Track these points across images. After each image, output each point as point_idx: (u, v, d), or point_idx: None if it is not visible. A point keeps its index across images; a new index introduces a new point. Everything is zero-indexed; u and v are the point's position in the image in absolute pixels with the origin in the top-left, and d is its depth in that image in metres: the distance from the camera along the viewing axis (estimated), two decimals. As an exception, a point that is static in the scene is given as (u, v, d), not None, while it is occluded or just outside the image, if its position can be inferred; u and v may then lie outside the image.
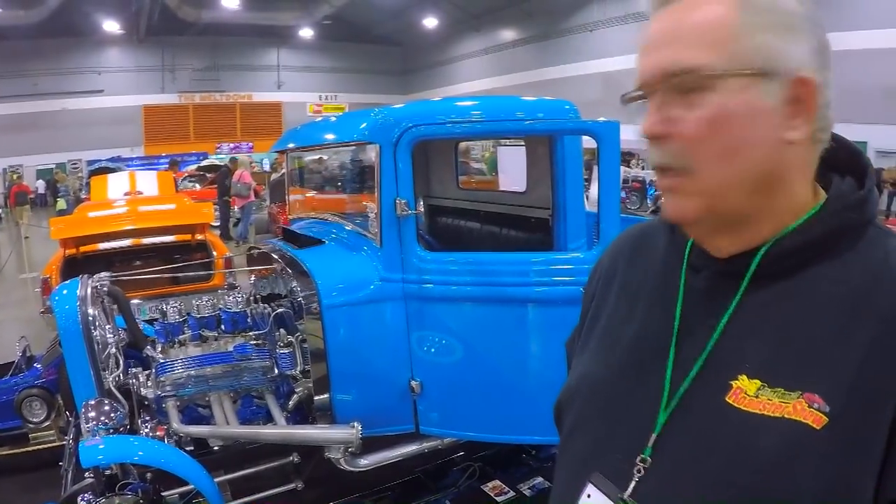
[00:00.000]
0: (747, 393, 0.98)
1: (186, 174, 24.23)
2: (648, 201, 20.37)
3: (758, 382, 0.98)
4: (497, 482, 4.75)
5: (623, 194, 19.67)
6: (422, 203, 4.12)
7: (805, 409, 0.92)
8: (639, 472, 1.04)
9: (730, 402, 0.99)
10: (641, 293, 1.23)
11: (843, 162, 1.11)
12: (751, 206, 1.03)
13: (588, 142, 3.81)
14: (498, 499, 4.60)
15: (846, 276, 0.99)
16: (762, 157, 1.01)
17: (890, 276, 0.97)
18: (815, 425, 0.91)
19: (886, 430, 0.88)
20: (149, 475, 3.61)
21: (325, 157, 7.74)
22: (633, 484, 1.04)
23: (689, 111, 1.00)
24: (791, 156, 1.02)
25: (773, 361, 0.98)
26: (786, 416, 0.93)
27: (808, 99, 1.01)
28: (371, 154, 3.86)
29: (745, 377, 0.99)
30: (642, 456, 1.05)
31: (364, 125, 3.96)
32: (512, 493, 4.64)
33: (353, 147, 4.94)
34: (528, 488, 4.66)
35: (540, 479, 4.71)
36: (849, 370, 0.92)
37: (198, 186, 22.89)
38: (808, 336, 0.97)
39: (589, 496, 1.10)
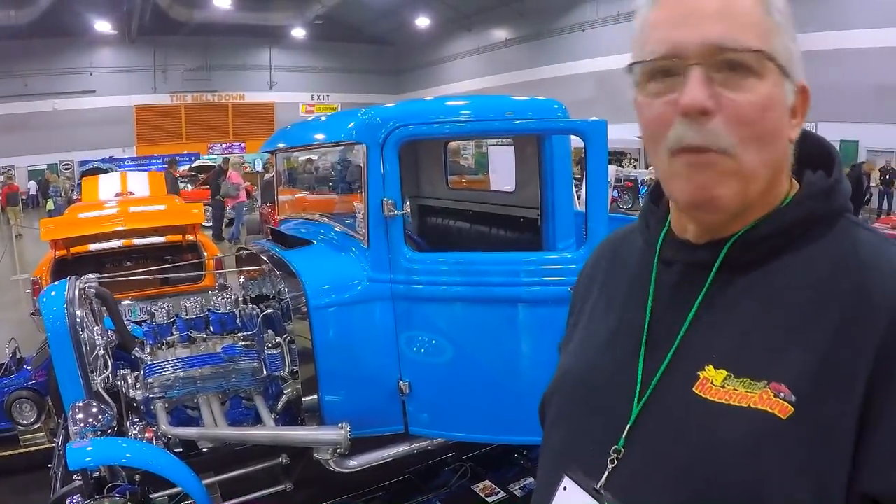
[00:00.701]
0: (714, 383, 0.99)
1: (179, 174, 24.16)
2: (640, 201, 20.38)
3: (724, 372, 0.99)
4: (488, 482, 4.76)
5: (615, 193, 19.77)
6: (408, 203, 4.12)
7: (771, 399, 0.93)
8: (612, 462, 1.05)
9: (697, 392, 1.00)
10: (618, 292, 1.24)
11: (815, 157, 1.13)
12: (759, 195, 1.05)
13: (579, 141, 3.81)
14: (489, 499, 4.60)
15: (813, 266, 1.01)
16: (781, 150, 1.05)
17: (856, 265, 0.98)
18: (780, 415, 0.91)
19: (854, 420, 0.88)
20: (137, 477, 3.61)
21: (314, 158, 7.74)
22: (605, 475, 1.05)
23: (737, 92, 0.98)
24: (787, 152, 1.07)
25: (739, 351, 0.99)
26: (752, 405, 0.94)
27: (805, 104, 1.07)
28: (359, 154, 3.85)
29: (711, 367, 1.00)
30: (616, 447, 1.06)
31: (351, 125, 3.96)
32: (503, 494, 4.64)
33: (342, 147, 4.93)
34: (519, 488, 4.67)
35: (531, 480, 4.70)
36: (814, 359, 0.93)
37: (190, 187, 22.84)
38: (774, 325, 0.98)
39: (565, 489, 1.11)
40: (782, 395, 0.92)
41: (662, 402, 1.04)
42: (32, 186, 33.03)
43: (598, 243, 1.46)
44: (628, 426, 1.06)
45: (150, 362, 4.10)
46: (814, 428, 0.89)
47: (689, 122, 0.99)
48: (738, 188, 1.01)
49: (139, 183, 11.38)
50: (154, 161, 32.60)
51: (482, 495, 4.63)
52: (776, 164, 1.05)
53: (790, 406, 0.91)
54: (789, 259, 1.03)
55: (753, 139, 0.99)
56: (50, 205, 27.24)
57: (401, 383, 3.82)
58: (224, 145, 39.46)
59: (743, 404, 0.94)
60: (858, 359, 0.90)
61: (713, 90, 0.98)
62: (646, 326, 1.12)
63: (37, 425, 5.62)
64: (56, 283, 4.11)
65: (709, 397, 0.98)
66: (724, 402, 0.96)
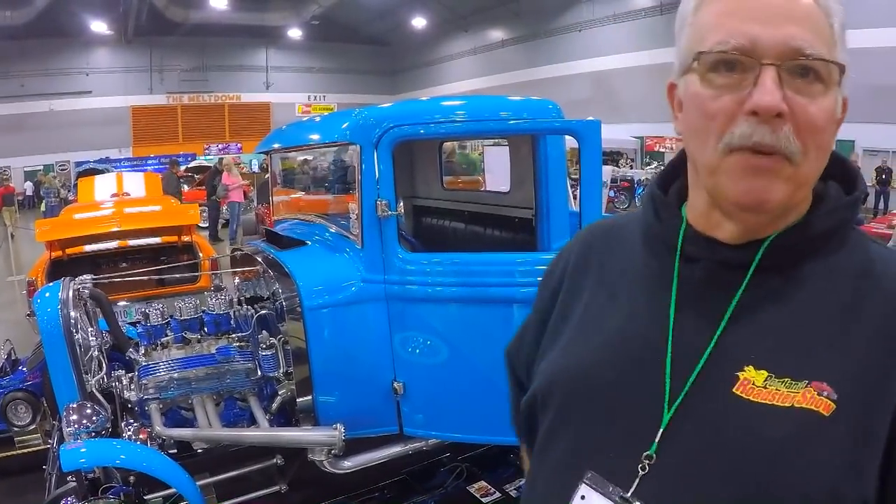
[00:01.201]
0: (755, 384, 0.98)
1: (181, 175, 24.12)
2: (637, 201, 20.41)
3: (765, 373, 0.98)
4: (483, 483, 4.76)
5: (612, 193, 19.77)
6: (402, 204, 4.13)
7: (815, 397, 0.94)
8: (643, 469, 1.01)
9: (738, 393, 0.98)
10: (621, 284, 1.20)
11: (826, 167, 1.12)
12: (800, 200, 1.06)
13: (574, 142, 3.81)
14: (484, 500, 4.61)
15: (838, 274, 1.03)
16: (827, 160, 1.07)
17: (878, 276, 1.02)
18: (824, 412, 0.92)
19: (889, 418, 0.91)
20: (131, 478, 3.60)
21: (309, 158, 7.74)
22: (636, 481, 1.01)
23: (808, 99, 0.98)
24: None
25: (778, 352, 1.00)
26: (795, 404, 0.94)
27: (843, 117, 1.07)
28: (353, 155, 3.85)
29: (751, 368, 0.99)
30: (647, 452, 1.01)
31: (345, 125, 3.96)
32: (498, 494, 4.65)
33: (337, 147, 4.93)
34: (515, 489, 4.66)
35: (526, 480, 4.70)
36: (853, 359, 0.95)
37: (186, 187, 22.82)
38: (811, 327, 1.00)
39: (583, 497, 1.06)
40: (825, 393, 0.93)
41: (699, 406, 1.01)
42: (29, 187, 32.98)
43: (575, 235, 1.42)
44: (661, 431, 1.02)
45: (144, 363, 4.10)
46: (855, 425, 0.91)
47: (759, 122, 0.97)
48: (789, 192, 1.01)
49: (135, 184, 11.38)
50: (150, 162, 32.56)
51: (477, 496, 4.64)
52: (820, 173, 1.06)
53: (833, 403, 0.92)
54: (820, 263, 1.05)
55: (815, 148, 1.00)
56: (42, 206, 27.17)
57: (395, 384, 3.82)
58: (220, 146, 39.42)
59: (786, 404, 0.95)
60: (893, 366, 0.93)
61: (785, 93, 0.97)
62: (671, 327, 1.09)
63: (32, 427, 5.60)
64: (50, 284, 4.11)
65: (751, 398, 0.97)
66: (767, 402, 0.96)
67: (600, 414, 1.10)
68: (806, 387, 0.94)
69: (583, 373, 1.16)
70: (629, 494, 1.01)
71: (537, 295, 1.40)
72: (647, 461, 1.01)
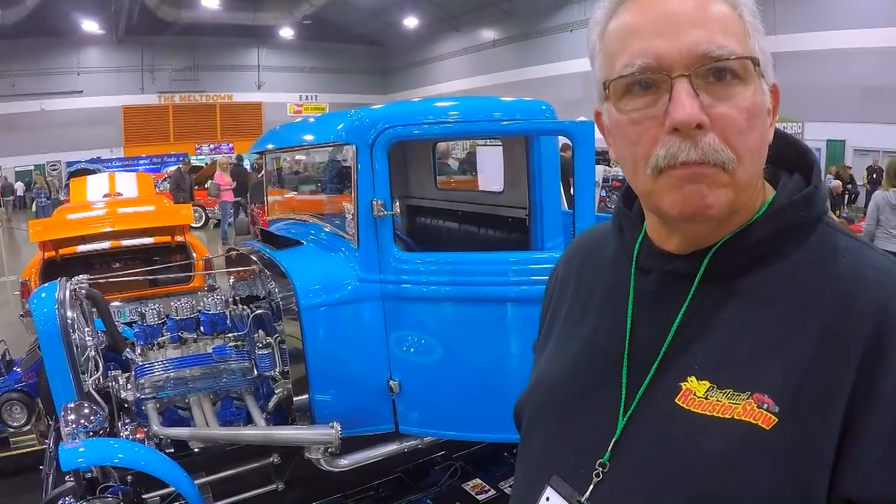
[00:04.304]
0: (696, 394, 0.97)
1: (166, 175, 24.09)
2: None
3: (707, 383, 0.97)
4: (478, 481, 4.77)
5: (603, 193, 19.80)
6: (398, 204, 4.14)
7: (755, 410, 0.91)
8: (597, 475, 1.03)
9: (680, 404, 0.98)
10: (593, 296, 1.22)
11: (788, 159, 1.11)
12: (744, 202, 1.02)
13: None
14: (479, 497, 4.62)
15: (795, 275, 0.99)
16: (764, 156, 1.03)
17: (837, 274, 0.97)
18: (764, 426, 0.90)
19: (837, 428, 0.87)
20: (129, 478, 3.61)
21: (303, 159, 7.74)
22: (591, 487, 1.04)
23: (727, 102, 0.95)
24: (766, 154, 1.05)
25: (721, 362, 0.98)
26: (735, 416, 0.92)
27: (776, 104, 1.05)
28: (348, 155, 3.87)
29: (693, 379, 0.99)
30: (601, 460, 1.04)
31: (340, 126, 3.97)
32: (493, 492, 4.65)
33: (331, 148, 4.95)
34: (510, 486, 4.66)
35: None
36: (797, 369, 0.91)
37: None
38: (757, 336, 0.97)
39: (548, 499, 1.10)
40: (766, 405, 0.91)
41: (647, 415, 1.02)
42: (20, 187, 32.85)
43: (569, 243, 1.42)
44: (614, 440, 1.04)
45: (140, 363, 4.11)
46: (797, 438, 0.88)
47: (682, 139, 0.95)
48: (729, 198, 0.98)
49: (127, 184, 11.35)
50: (142, 161, 32.47)
51: (472, 493, 4.65)
52: (761, 170, 1.03)
53: (774, 416, 0.90)
54: (770, 268, 1.01)
55: (747, 151, 0.97)
56: (33, 206, 27.05)
57: (391, 382, 3.85)
58: (212, 146, 39.33)
59: (726, 416, 0.93)
60: (842, 369, 0.89)
61: (702, 102, 0.94)
62: (627, 337, 1.10)
63: (27, 427, 5.59)
64: (46, 284, 4.12)
65: (692, 409, 0.96)
66: (707, 413, 0.95)
67: (566, 421, 1.14)
68: (748, 399, 0.92)
69: (554, 382, 1.20)
70: (584, 499, 1.04)
71: (542, 300, 1.42)
72: (601, 468, 1.03)
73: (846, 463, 0.86)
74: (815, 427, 0.88)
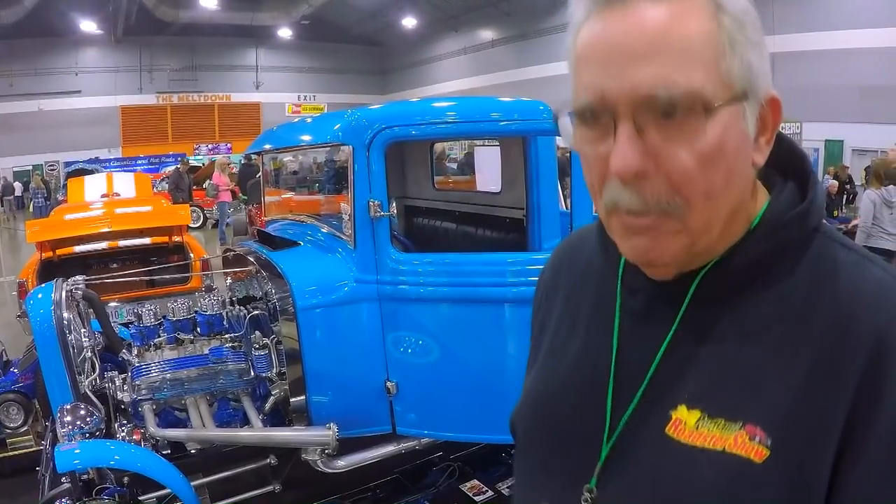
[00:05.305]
0: (687, 424, 0.93)
1: (164, 175, 24.10)
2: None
3: (697, 413, 0.93)
4: (475, 482, 4.77)
5: (602, 193, 19.80)
6: (395, 204, 4.14)
7: (746, 443, 0.87)
8: (585, 501, 1.00)
9: (669, 434, 0.94)
10: (581, 310, 1.17)
11: (786, 162, 1.04)
12: (716, 239, 0.95)
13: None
14: (476, 498, 4.62)
15: (789, 296, 0.93)
16: (741, 186, 0.94)
17: (833, 293, 0.91)
18: (756, 459, 0.86)
19: (831, 461, 0.83)
20: (126, 479, 3.61)
21: (301, 159, 7.74)
22: None
23: (677, 145, 0.86)
24: (752, 177, 0.97)
25: (712, 390, 0.93)
26: (727, 449, 0.88)
27: (776, 115, 0.95)
28: (345, 155, 3.87)
29: (683, 408, 0.94)
30: (588, 486, 1.00)
31: (337, 126, 3.97)
32: (491, 493, 4.66)
33: (329, 148, 4.94)
34: (507, 488, 4.67)
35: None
36: (791, 398, 0.87)
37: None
38: (749, 362, 0.92)
39: None
40: (758, 438, 0.87)
41: (633, 443, 0.98)
42: (18, 188, 32.84)
43: (556, 246, 1.36)
44: (599, 466, 1.00)
45: (137, 364, 4.10)
46: (789, 472, 0.85)
47: (623, 185, 0.89)
48: (683, 245, 0.92)
49: (125, 184, 11.36)
50: (140, 162, 32.46)
51: (470, 494, 4.65)
52: (734, 203, 0.94)
53: (766, 449, 0.86)
54: (763, 289, 0.95)
55: (701, 195, 0.88)
56: (30, 206, 27.04)
57: (388, 383, 3.84)
58: (210, 146, 39.33)
59: (717, 448, 0.89)
60: (836, 399, 0.84)
61: (649, 146, 0.87)
62: (613, 360, 1.05)
63: (24, 428, 5.58)
64: (43, 285, 4.11)
65: (682, 440, 0.92)
66: (697, 445, 0.91)
67: (555, 443, 1.10)
68: (740, 429, 0.88)
69: (544, 401, 1.16)
70: None
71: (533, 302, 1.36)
72: (589, 494, 1.00)
73: (840, 495, 0.83)
74: (808, 460, 0.85)
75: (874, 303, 0.89)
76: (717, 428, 0.90)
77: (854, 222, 9.51)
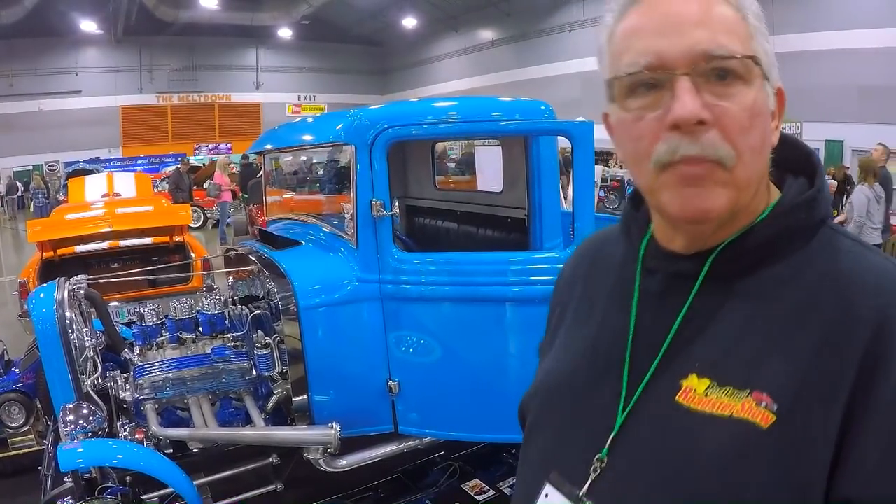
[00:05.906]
0: (696, 392, 0.98)
1: (165, 175, 24.09)
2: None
3: (707, 381, 0.98)
4: (477, 481, 4.77)
5: (602, 193, 19.82)
6: (397, 204, 4.15)
7: (753, 408, 0.92)
8: (595, 471, 1.04)
9: (679, 401, 0.99)
10: (599, 297, 1.23)
11: (795, 162, 1.12)
12: (747, 203, 1.04)
13: (566, 142, 3.84)
14: (478, 497, 4.62)
15: (796, 277, 1.00)
16: (766, 158, 1.05)
17: (838, 277, 0.98)
18: (762, 424, 0.91)
19: (836, 429, 0.87)
20: (128, 478, 3.62)
21: (303, 158, 7.74)
22: (588, 483, 1.05)
23: (729, 100, 0.96)
24: (768, 159, 1.06)
25: (722, 361, 0.99)
26: (734, 414, 0.93)
27: (782, 107, 1.07)
28: (347, 155, 3.87)
29: (694, 376, 1.00)
30: (599, 456, 1.05)
31: (339, 126, 3.97)
32: (492, 492, 4.66)
33: (330, 148, 4.95)
34: (509, 487, 4.67)
35: (519, 478, 4.71)
36: (797, 369, 0.92)
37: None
38: (758, 336, 0.98)
39: (547, 495, 1.11)
40: (764, 403, 0.91)
41: (646, 412, 1.04)
42: (18, 187, 32.79)
43: (578, 245, 1.42)
44: (612, 435, 1.05)
45: (139, 363, 4.11)
46: (795, 437, 0.89)
47: (682, 135, 0.96)
48: (730, 198, 0.99)
49: (126, 184, 11.36)
50: (140, 162, 32.45)
51: (472, 494, 4.65)
52: (764, 171, 1.05)
53: (772, 415, 0.90)
54: (772, 270, 1.02)
55: (748, 149, 0.98)
56: (31, 206, 27.01)
57: (390, 383, 3.85)
58: (210, 146, 39.30)
59: (725, 413, 0.94)
60: (841, 370, 0.89)
61: (704, 100, 0.96)
62: (630, 335, 1.11)
63: (25, 428, 5.59)
64: (45, 284, 4.11)
65: (691, 406, 0.98)
66: (706, 411, 0.96)
67: (568, 417, 1.15)
68: (747, 396, 0.93)
69: (559, 379, 1.22)
70: (582, 494, 1.05)
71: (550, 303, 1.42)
72: (599, 463, 1.05)
73: (845, 463, 0.87)
74: (814, 426, 0.89)
75: (876, 284, 0.96)
76: (726, 395, 0.96)
77: (839, 218, 9.79)
